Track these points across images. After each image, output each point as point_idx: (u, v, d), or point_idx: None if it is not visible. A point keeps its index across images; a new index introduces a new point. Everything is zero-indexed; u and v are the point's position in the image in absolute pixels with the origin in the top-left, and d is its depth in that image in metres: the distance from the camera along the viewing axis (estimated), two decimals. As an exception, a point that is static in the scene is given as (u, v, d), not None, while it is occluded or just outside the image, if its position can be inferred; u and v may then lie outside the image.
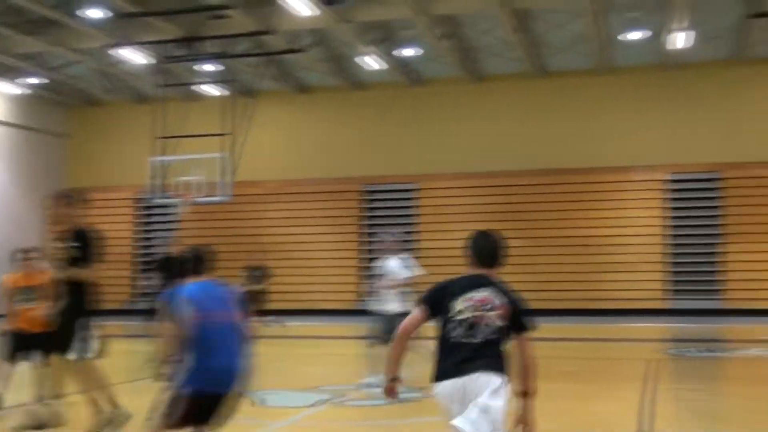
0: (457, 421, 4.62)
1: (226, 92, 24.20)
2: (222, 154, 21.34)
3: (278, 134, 28.09)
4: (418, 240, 26.54)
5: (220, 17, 21.12)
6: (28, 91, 27.36)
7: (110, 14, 20.43)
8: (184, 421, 5.54)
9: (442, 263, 25.77)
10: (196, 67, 24.74)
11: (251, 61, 24.18)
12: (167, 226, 27.50)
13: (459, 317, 4.81)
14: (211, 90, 26.20)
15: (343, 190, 27.30)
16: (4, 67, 25.19)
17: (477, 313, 4.79)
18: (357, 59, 24.46)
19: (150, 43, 22.10)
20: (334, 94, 27.62)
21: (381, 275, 11.06)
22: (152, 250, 28.67)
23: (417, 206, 26.91)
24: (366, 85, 27.45)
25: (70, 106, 29.82)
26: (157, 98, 22.71)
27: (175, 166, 21.76)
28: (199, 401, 5.52)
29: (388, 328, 10.67)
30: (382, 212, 27.35)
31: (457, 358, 4.76)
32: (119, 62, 24.73)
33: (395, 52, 24.31)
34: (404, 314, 9.01)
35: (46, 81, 26.94)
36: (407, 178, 26.93)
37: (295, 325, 22.51)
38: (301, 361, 12.61)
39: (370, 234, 27.19)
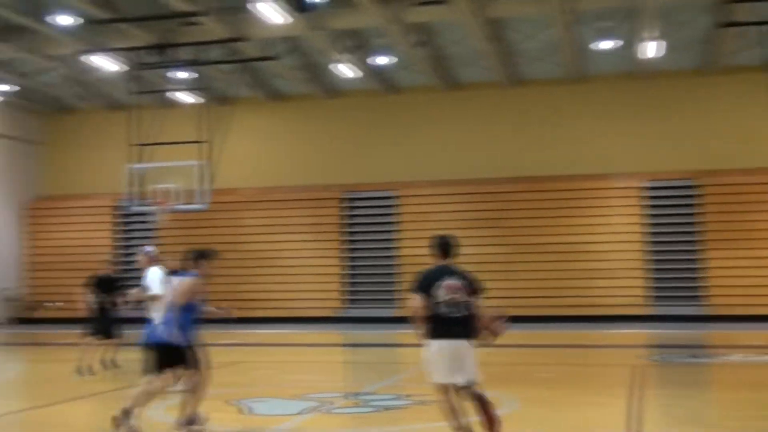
0: (449, 379, 7.08)
1: (201, 99, 24.04)
2: (199, 161, 21.16)
3: (254, 142, 27.99)
4: (399, 247, 26.52)
5: (192, 24, 20.97)
6: (0, 98, 26.99)
7: (81, 20, 20.20)
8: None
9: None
10: (169, 74, 24.54)
11: (225, 68, 24.05)
12: (146, 234, 27.31)
13: (442, 299, 7.14)
14: (186, 97, 26.04)
15: (323, 198, 27.19)
16: (-29, 74, 24.90)
17: (453, 296, 7.14)
18: (331, 67, 24.43)
19: (122, 49, 21.86)
20: (309, 102, 27.58)
21: (142, 287, 11.48)
22: (131, 258, 28.36)
23: (397, 213, 26.87)
24: (341, 92, 27.44)
25: (42, 113, 29.48)
26: (131, 105, 22.46)
27: (153, 173, 21.58)
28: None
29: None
30: (362, 219, 27.24)
31: (446, 326, 7.12)
32: (91, 69, 24.49)
33: (369, 60, 24.31)
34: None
35: (17, 88, 26.59)
36: (386, 185, 26.89)
37: (277, 332, 22.42)
38: (285, 369, 12.54)
39: (350, 242, 27.13)
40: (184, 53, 22.50)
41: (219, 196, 25.34)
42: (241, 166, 27.34)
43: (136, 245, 28.26)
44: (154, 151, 21.93)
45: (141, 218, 25.61)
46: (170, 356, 7.81)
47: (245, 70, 25.04)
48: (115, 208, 28.12)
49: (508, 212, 25.85)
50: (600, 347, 18.93)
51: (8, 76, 24.86)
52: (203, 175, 20.93)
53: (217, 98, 26.59)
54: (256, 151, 27.98)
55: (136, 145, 21.81)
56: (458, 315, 7.11)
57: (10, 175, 28.40)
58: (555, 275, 25.12)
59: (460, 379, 7.04)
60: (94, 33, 21.26)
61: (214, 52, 22.88)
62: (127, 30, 20.79)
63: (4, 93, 26.47)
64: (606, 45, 22.35)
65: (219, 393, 11.40)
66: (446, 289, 7.11)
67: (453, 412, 7.12)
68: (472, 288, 7.24)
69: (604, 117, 25.74)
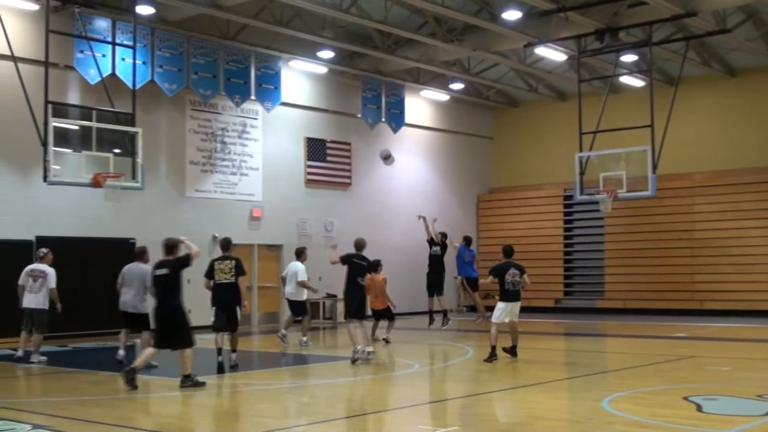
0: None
1: (648, 82, 23.18)
2: (646, 147, 20.40)
3: (706, 122, 26.35)
4: None
5: (639, 4, 20.27)
6: (455, 96, 28.62)
7: (527, 14, 20.57)
8: None
9: None
10: (615, 59, 24.01)
11: (673, 47, 22.90)
12: (591, 223, 27.22)
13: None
14: (632, 81, 25.37)
15: (788, 180, 24.73)
16: (430, 75, 26.70)
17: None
18: (795, 34, 22.10)
19: (567, 38, 21.87)
20: (769, 75, 25.26)
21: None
22: (578, 248, 28.50)
23: None
24: (807, 61, 24.76)
25: (492, 108, 30.80)
26: (577, 93, 22.32)
27: (599, 161, 21.32)
28: None
29: None
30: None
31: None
32: (537, 61, 24.92)
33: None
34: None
35: (469, 86, 28.06)
36: None
37: (733, 326, 20.94)
38: (741, 367, 11.49)
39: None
40: (630, 36, 21.88)
41: (667, 181, 24.30)
42: (692, 149, 25.87)
43: (583, 234, 28.38)
44: (600, 138, 21.63)
45: (587, 207, 25.47)
46: None
47: (695, 47, 23.64)
48: (563, 198, 28.36)
49: None
50: None
51: (461, 75, 26.27)
52: (651, 161, 20.11)
53: (663, 79, 25.52)
54: (708, 132, 26.28)
55: (584, 133, 21.66)
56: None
57: (468, 169, 30.02)
58: None
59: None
60: (540, 25, 21.54)
61: (662, 32, 21.91)
62: (573, 18, 20.71)
63: (457, 91, 28.05)
64: None
65: (673, 388, 10.80)
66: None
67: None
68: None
69: None
